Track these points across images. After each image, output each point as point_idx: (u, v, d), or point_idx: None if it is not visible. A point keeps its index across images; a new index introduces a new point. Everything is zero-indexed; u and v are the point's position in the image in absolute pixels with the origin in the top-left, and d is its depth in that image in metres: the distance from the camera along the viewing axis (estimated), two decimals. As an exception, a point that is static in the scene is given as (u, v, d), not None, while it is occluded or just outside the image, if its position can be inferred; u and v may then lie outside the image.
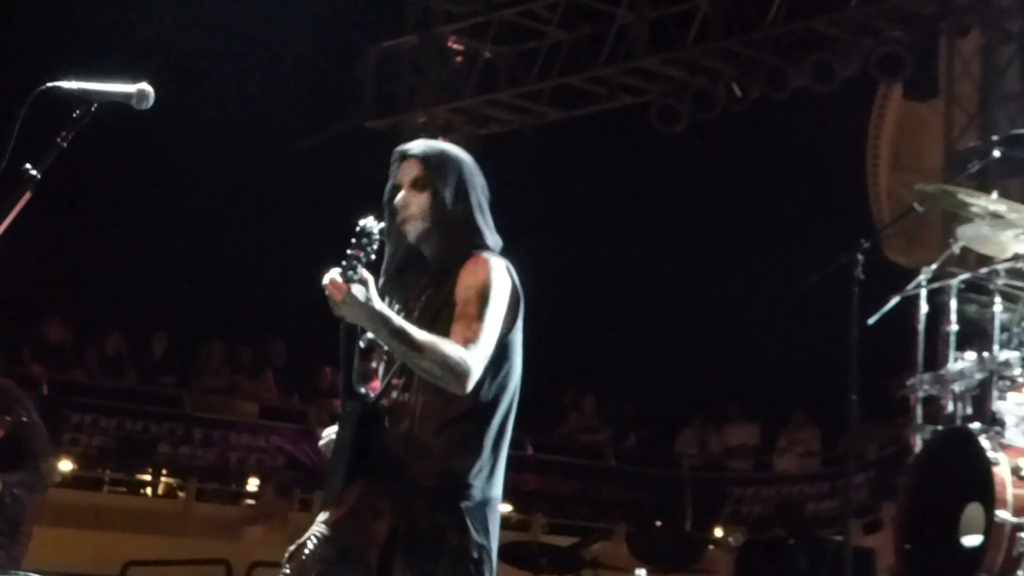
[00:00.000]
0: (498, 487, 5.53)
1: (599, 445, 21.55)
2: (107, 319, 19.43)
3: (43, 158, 4.93)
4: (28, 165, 4.88)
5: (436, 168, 5.60)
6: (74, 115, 4.99)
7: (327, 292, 5.19)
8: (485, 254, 5.50)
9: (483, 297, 5.43)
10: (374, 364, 5.75)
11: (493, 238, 5.62)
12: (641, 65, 17.27)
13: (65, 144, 5.00)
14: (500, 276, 5.48)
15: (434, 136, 18.03)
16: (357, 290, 5.16)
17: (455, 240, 5.57)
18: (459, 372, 5.29)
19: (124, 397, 18.71)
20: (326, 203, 16.41)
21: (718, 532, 19.47)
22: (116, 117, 5.12)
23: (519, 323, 5.57)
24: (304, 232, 18.23)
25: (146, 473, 19.00)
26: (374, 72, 18.11)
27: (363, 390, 5.52)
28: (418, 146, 5.66)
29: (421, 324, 5.34)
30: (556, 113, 18.43)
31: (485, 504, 5.45)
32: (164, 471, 18.98)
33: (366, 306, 5.18)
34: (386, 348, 5.45)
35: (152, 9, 18.23)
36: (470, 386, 5.34)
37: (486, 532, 5.44)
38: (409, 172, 5.62)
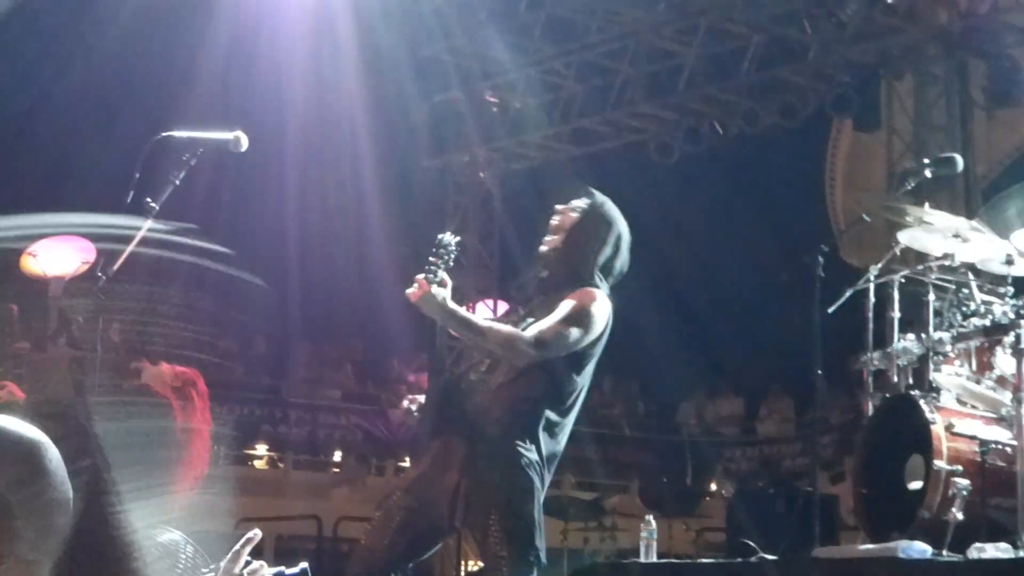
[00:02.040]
0: (549, 468, 5.49)
1: (615, 417, 21.54)
2: (219, 324, 19.49)
3: (160, 193, 4.97)
4: (148, 199, 4.92)
5: (577, 220, 5.62)
6: (184, 158, 5.03)
7: (413, 290, 5.23)
8: (596, 290, 5.50)
9: (573, 311, 5.43)
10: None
11: (604, 287, 5.62)
12: (641, 109, 17.27)
13: (178, 182, 5.04)
14: (600, 307, 5.47)
15: (475, 172, 18.12)
16: (436, 290, 5.21)
17: (567, 274, 5.59)
18: (516, 349, 5.34)
19: (233, 387, 18.78)
20: (394, 230, 16.47)
21: (713, 485, 19.43)
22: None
23: (598, 350, 5.52)
24: (377, 254, 18.29)
25: (253, 448, 19.05)
26: (427, 120, 18.12)
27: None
28: (580, 203, 5.66)
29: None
30: (574, 150, 18.43)
31: (522, 473, 5.40)
32: (267, 446, 19.02)
33: (439, 302, 5.21)
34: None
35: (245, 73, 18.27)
36: (524, 361, 5.39)
37: (532, 495, 5.41)
38: (563, 217, 5.68)
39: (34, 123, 18.67)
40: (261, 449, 19.17)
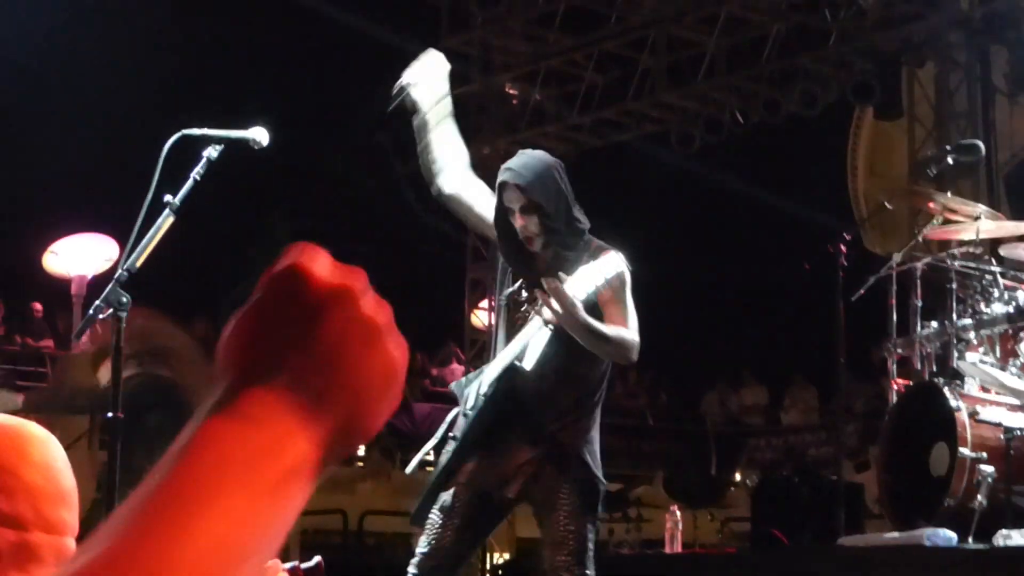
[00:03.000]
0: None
1: (639, 408, 21.55)
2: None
3: (180, 191, 4.99)
4: (169, 197, 4.93)
5: (534, 190, 5.54)
6: (204, 155, 5.04)
7: (547, 296, 5.23)
8: (612, 251, 5.49)
9: (626, 292, 5.45)
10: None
11: (586, 222, 5.60)
12: (661, 99, 17.26)
13: (199, 178, 5.05)
14: (627, 273, 5.47)
15: (495, 164, 18.09)
16: (569, 289, 5.22)
17: (569, 241, 5.54)
18: (628, 352, 5.47)
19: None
20: (415, 222, 16.46)
21: (737, 475, 19.42)
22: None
23: None
24: (399, 247, 18.30)
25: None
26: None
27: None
28: (514, 174, 5.56)
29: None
30: (595, 141, 18.44)
31: (593, 444, 5.52)
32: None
33: (571, 303, 5.21)
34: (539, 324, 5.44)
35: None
36: (630, 362, 5.64)
37: (597, 466, 5.52)
38: (515, 200, 5.55)
39: (49, 123, 18.74)
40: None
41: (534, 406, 5.48)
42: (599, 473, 5.54)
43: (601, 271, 5.38)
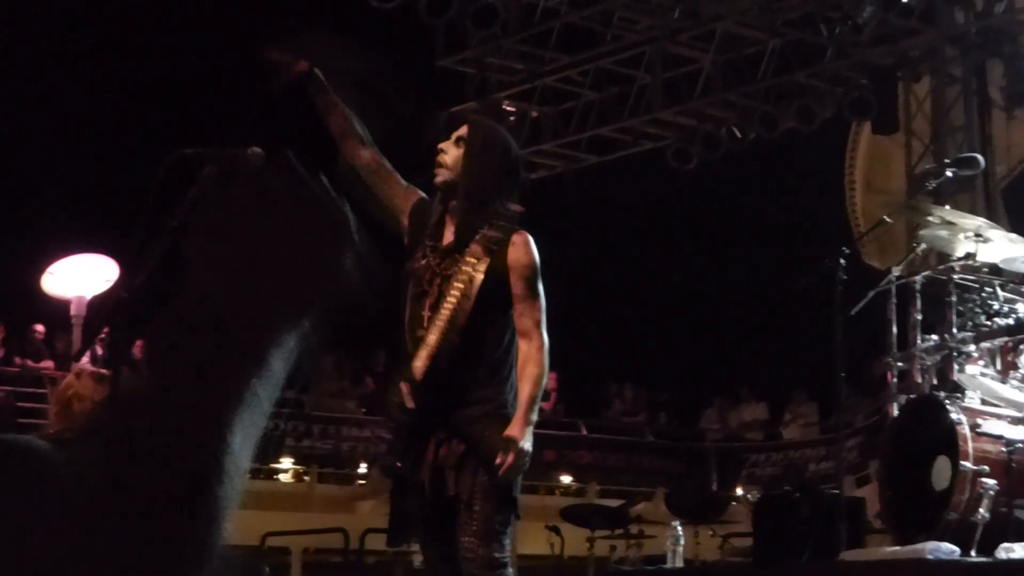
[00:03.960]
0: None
1: (638, 425, 21.52)
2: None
3: (179, 212, 4.94)
4: (168, 218, 4.89)
5: (476, 132, 5.42)
6: (201, 174, 4.99)
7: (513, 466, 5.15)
8: (524, 233, 5.33)
9: (536, 277, 5.33)
10: None
11: (505, 209, 5.40)
12: (658, 116, 17.28)
13: (194, 199, 5.00)
14: (537, 260, 5.33)
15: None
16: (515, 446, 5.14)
17: (477, 198, 5.36)
18: (545, 358, 5.29)
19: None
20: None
21: (738, 490, 19.38)
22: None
23: None
24: (398, 264, 18.21)
25: (277, 462, 19.06)
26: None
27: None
28: (458, 111, 5.50)
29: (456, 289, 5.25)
30: (592, 158, 18.45)
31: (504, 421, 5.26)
32: (291, 460, 19.04)
33: (524, 448, 5.15)
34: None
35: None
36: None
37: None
38: (451, 129, 5.43)
39: (48, 141, 18.70)
40: (286, 463, 19.18)
41: (439, 394, 5.29)
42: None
43: (516, 258, 5.25)
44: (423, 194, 5.58)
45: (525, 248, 5.32)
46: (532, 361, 5.29)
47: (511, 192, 5.49)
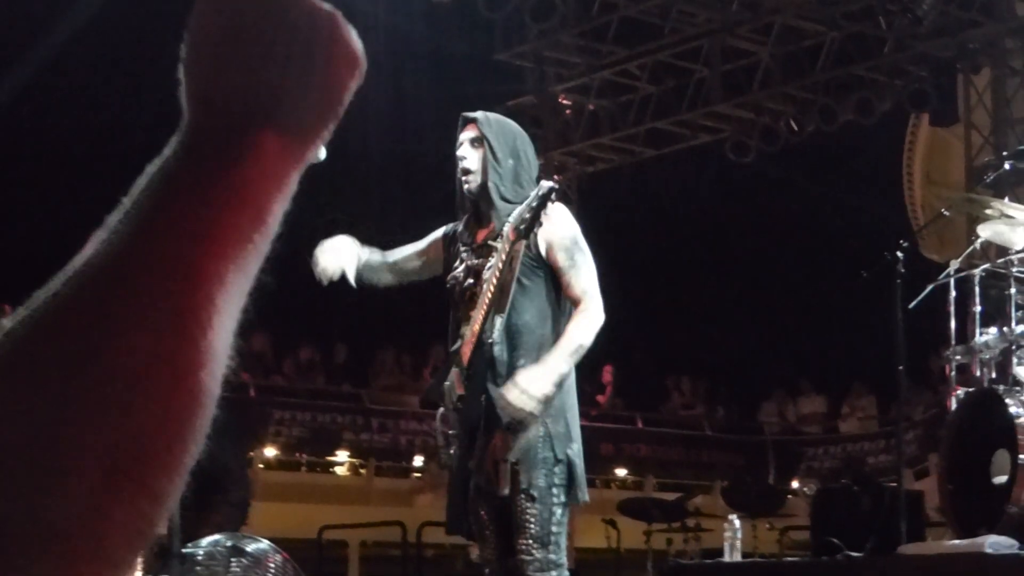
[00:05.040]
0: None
1: (696, 418, 21.52)
2: (299, 332, 19.65)
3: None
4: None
5: (489, 128, 5.47)
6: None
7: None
8: (558, 205, 5.35)
9: (576, 246, 5.37)
10: None
11: (534, 184, 5.45)
12: (716, 109, 17.26)
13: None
14: (576, 229, 5.40)
15: (550, 175, 18.10)
16: (522, 387, 5.14)
17: (508, 192, 5.41)
18: (600, 316, 5.29)
19: (315, 396, 18.92)
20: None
21: (795, 484, 19.35)
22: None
23: None
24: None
25: (335, 456, 19.16)
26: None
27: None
28: (474, 115, 5.55)
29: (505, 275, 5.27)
30: (650, 152, 18.45)
31: (561, 415, 5.34)
32: (349, 453, 19.14)
33: (540, 391, 5.15)
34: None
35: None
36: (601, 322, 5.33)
37: (570, 439, 5.37)
38: (466, 134, 5.48)
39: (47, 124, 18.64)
40: (342, 456, 19.29)
41: (484, 379, 5.33)
42: (570, 449, 5.34)
43: (551, 232, 5.28)
44: (444, 229, 5.69)
45: (560, 220, 5.36)
46: (575, 321, 5.31)
47: (535, 171, 5.56)
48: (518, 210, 5.26)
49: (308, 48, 1.00)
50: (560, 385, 5.24)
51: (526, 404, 5.14)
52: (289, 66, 0.99)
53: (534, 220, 5.22)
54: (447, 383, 5.45)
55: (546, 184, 5.32)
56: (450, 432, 5.46)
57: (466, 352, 5.37)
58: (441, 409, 5.50)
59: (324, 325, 20.30)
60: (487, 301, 5.30)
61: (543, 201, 5.22)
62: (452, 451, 5.45)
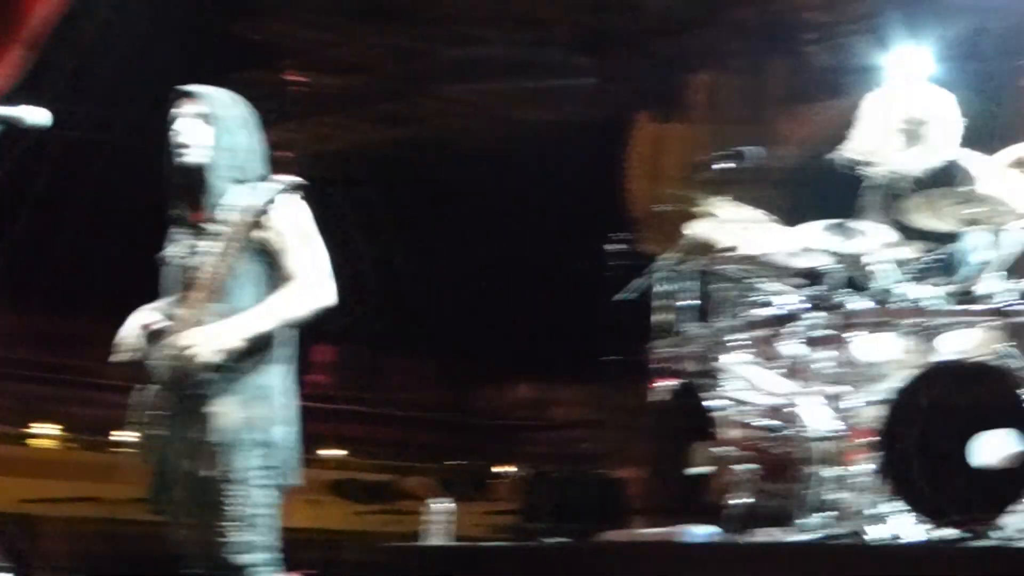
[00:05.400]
0: None
1: (411, 399, 21.60)
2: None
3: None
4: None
5: (212, 102, 5.36)
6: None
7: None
8: (293, 195, 5.30)
9: (306, 228, 5.31)
10: None
11: (264, 170, 5.38)
12: (445, 95, 17.29)
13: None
14: (299, 208, 5.31)
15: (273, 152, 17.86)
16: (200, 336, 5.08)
17: (236, 171, 5.31)
18: (314, 300, 5.28)
19: (19, 365, 18.38)
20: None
21: (507, 468, 19.56)
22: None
23: None
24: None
25: (39, 427, 18.66)
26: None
27: None
28: (199, 86, 5.43)
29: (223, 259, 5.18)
30: (376, 133, 18.38)
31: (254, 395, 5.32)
32: (54, 425, 18.64)
33: (216, 342, 5.10)
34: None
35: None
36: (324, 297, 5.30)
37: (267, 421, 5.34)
38: (189, 107, 5.35)
39: None
40: (48, 428, 18.80)
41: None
42: (274, 430, 5.29)
43: (274, 216, 5.22)
44: None
45: (283, 204, 5.30)
46: (279, 291, 5.25)
47: (260, 150, 5.47)
48: (250, 199, 5.18)
49: None
50: (255, 353, 5.18)
51: (197, 351, 5.04)
52: None
53: (253, 206, 5.16)
54: (151, 361, 5.33)
55: (289, 181, 5.26)
56: (151, 411, 5.34)
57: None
58: (143, 386, 5.39)
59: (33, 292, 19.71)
60: (204, 285, 5.21)
61: (283, 198, 5.19)
62: (154, 430, 5.34)
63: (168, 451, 5.29)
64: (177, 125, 5.33)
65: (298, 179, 5.31)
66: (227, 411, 5.19)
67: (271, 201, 5.18)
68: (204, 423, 5.19)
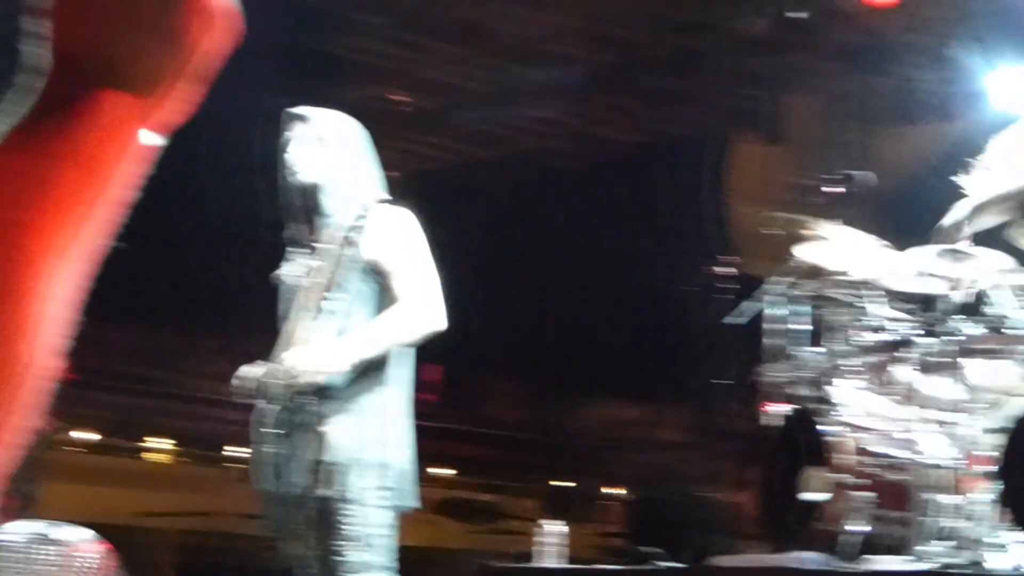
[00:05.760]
0: None
1: (518, 421, 21.58)
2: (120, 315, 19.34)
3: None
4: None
5: (321, 124, 5.40)
6: None
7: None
8: (405, 215, 5.35)
9: (419, 245, 5.34)
10: None
11: (377, 191, 5.42)
12: (545, 115, 17.33)
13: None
14: (414, 230, 5.35)
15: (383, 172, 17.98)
16: (325, 352, 5.14)
17: (347, 190, 5.35)
18: (421, 323, 5.29)
19: (136, 380, 18.62)
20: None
21: (614, 490, 19.52)
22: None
23: None
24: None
25: (153, 441, 18.86)
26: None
27: None
28: (309, 108, 5.44)
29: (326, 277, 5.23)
30: (479, 152, 18.47)
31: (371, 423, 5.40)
32: (167, 439, 18.83)
33: (337, 359, 5.16)
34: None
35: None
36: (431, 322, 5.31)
37: (385, 443, 5.39)
38: (295, 131, 5.41)
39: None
40: (163, 442, 18.98)
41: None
42: (391, 452, 5.33)
43: (383, 237, 5.24)
44: None
45: (393, 225, 5.38)
46: (386, 312, 5.30)
47: (373, 170, 5.51)
48: (360, 219, 5.25)
49: (158, 4, 0.98)
50: (371, 373, 5.24)
51: (304, 372, 5.13)
52: (136, 22, 0.96)
53: (365, 227, 5.20)
54: (267, 378, 5.39)
55: (381, 193, 5.31)
56: (266, 427, 5.40)
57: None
58: (257, 402, 5.44)
59: (146, 309, 19.96)
60: (313, 304, 5.26)
61: (377, 210, 5.23)
62: (268, 447, 5.39)
63: (283, 470, 5.34)
64: (290, 148, 5.39)
65: (386, 197, 5.36)
66: (343, 431, 5.23)
67: (381, 221, 5.23)
68: (320, 443, 5.23)
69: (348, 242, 5.24)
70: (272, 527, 5.49)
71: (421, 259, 5.31)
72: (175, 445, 18.82)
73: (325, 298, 5.22)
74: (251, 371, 5.42)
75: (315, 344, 5.17)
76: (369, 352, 5.19)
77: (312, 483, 5.23)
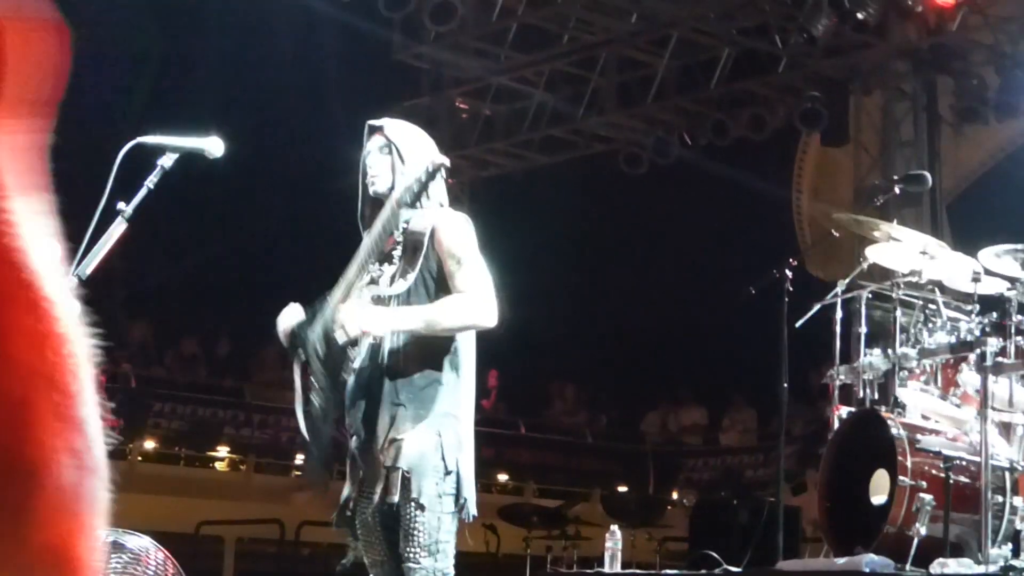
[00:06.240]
0: None
1: (578, 426, 21.56)
2: (182, 324, 19.50)
3: (133, 199, 4.95)
4: (122, 204, 4.89)
5: (395, 134, 5.51)
6: (158, 163, 5.00)
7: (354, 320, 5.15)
8: (464, 219, 5.41)
9: (468, 248, 5.36)
10: None
11: (443, 194, 5.50)
12: (610, 119, 17.33)
13: (152, 187, 5.02)
14: (469, 230, 5.39)
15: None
16: (367, 309, 5.15)
17: (414, 197, 5.38)
18: (479, 315, 5.27)
19: (196, 389, 18.74)
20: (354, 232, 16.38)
21: (675, 495, 19.46)
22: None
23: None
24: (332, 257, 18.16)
25: (214, 451, 18.97)
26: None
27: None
28: (383, 120, 5.58)
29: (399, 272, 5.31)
30: (543, 159, 18.48)
31: (443, 424, 5.36)
32: (228, 448, 18.96)
33: (382, 318, 5.18)
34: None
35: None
36: (489, 317, 5.31)
37: (453, 447, 5.33)
38: (374, 142, 5.52)
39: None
40: (222, 451, 19.10)
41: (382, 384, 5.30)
42: (460, 458, 5.28)
43: (444, 237, 5.29)
44: None
45: (454, 226, 5.43)
46: (445, 298, 5.32)
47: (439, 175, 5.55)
48: (427, 224, 5.29)
49: None
50: (446, 383, 5.25)
51: (353, 323, 5.16)
52: None
53: (421, 192, 5.26)
54: (317, 333, 5.43)
55: (436, 159, 5.35)
56: (314, 385, 5.41)
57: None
58: (302, 357, 5.47)
59: (207, 318, 20.12)
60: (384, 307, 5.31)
61: (432, 175, 5.28)
62: (317, 403, 5.40)
63: (354, 477, 5.35)
64: (369, 159, 5.48)
65: (443, 160, 5.40)
66: (418, 437, 5.24)
67: (444, 223, 5.28)
68: (396, 450, 5.24)
69: (412, 245, 5.28)
70: (343, 534, 5.51)
71: (478, 263, 5.35)
72: (242, 454, 18.92)
73: (390, 300, 5.26)
74: (295, 313, 5.51)
75: (364, 304, 5.23)
76: (415, 325, 5.21)
77: (383, 490, 5.23)
